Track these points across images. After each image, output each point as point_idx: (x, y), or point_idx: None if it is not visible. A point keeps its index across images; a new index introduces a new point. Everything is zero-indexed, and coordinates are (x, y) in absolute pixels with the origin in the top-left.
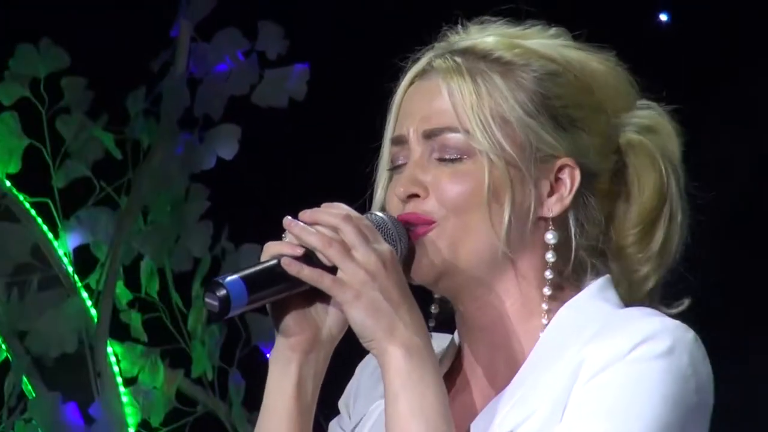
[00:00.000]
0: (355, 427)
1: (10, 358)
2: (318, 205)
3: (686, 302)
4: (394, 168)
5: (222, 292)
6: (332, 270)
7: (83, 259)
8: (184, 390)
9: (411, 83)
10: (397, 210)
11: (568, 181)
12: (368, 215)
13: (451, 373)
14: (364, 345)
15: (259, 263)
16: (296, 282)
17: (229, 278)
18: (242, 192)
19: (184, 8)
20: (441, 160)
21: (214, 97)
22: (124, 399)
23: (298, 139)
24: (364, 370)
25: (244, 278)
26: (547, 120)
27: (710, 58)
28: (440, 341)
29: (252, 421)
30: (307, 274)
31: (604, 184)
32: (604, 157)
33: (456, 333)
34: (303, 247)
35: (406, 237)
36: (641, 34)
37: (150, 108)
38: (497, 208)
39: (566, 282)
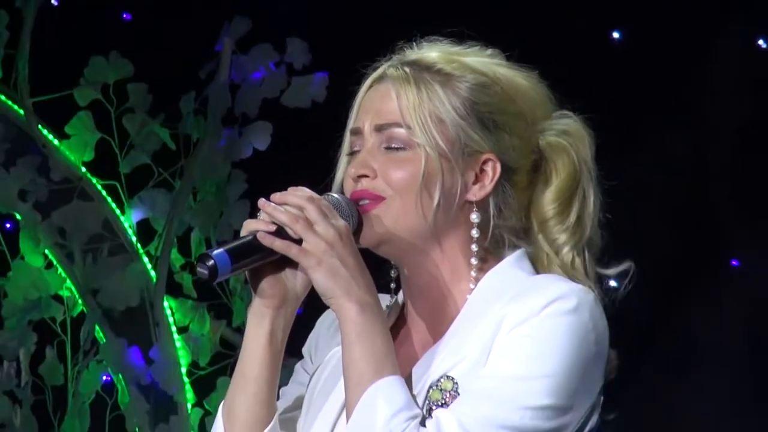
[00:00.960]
0: (315, 371)
1: (85, 311)
2: (331, 189)
3: (626, 265)
4: (351, 154)
5: (210, 263)
6: (298, 242)
7: (144, 230)
8: (226, 337)
9: (370, 86)
10: (351, 188)
11: (490, 173)
12: (326, 196)
13: (396, 325)
14: (325, 302)
15: (240, 238)
16: (269, 252)
17: (215, 251)
18: (274, 176)
19: (227, 28)
20: (387, 148)
21: (251, 99)
22: (178, 344)
23: (318, 134)
24: (323, 323)
25: (227, 251)
26: (475, 122)
27: (656, 69)
28: (386, 300)
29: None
30: (279, 245)
31: (523, 177)
32: (522, 155)
33: (401, 293)
34: (274, 223)
35: (356, 213)
36: (598, 49)
37: (199, 108)
38: (431, 191)
39: (489, 254)
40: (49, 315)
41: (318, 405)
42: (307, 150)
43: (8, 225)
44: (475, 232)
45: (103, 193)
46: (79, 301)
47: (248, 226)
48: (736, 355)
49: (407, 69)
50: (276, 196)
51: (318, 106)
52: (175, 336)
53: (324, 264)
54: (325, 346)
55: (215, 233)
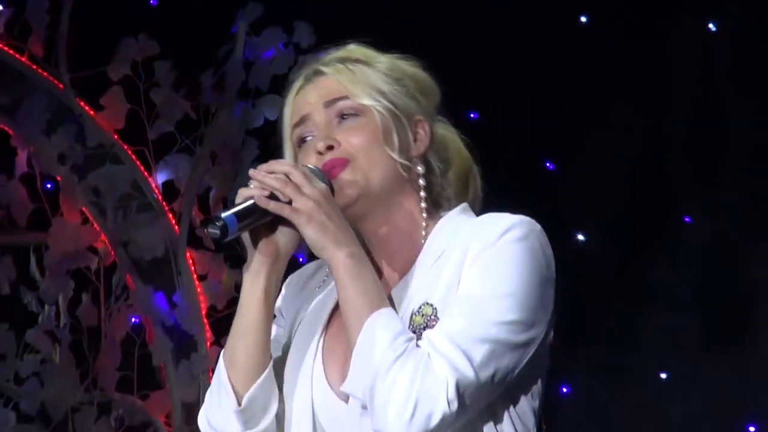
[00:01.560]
0: (292, 324)
1: (117, 261)
2: None
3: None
4: (302, 142)
5: (221, 224)
6: (289, 203)
7: (169, 190)
8: (240, 283)
9: (300, 88)
10: (317, 164)
11: (422, 132)
12: (302, 167)
13: None
14: (316, 253)
15: (239, 203)
16: (265, 214)
17: (224, 214)
18: (282, 143)
19: (242, 13)
20: (342, 118)
21: (262, 75)
22: (198, 290)
23: None
24: (288, 286)
25: (234, 214)
26: (403, 91)
27: (619, 50)
28: None
29: None
30: (273, 206)
31: (435, 154)
32: (434, 126)
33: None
34: (266, 189)
35: (327, 181)
36: (568, 33)
37: (217, 83)
38: (390, 145)
39: (435, 207)
40: (85, 264)
41: (299, 349)
42: None
43: (49, 185)
44: (422, 182)
45: (133, 157)
46: (112, 253)
47: (243, 193)
48: (687, 301)
49: (335, 63)
50: (263, 166)
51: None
52: (196, 283)
53: (313, 220)
54: (291, 304)
55: (231, 193)
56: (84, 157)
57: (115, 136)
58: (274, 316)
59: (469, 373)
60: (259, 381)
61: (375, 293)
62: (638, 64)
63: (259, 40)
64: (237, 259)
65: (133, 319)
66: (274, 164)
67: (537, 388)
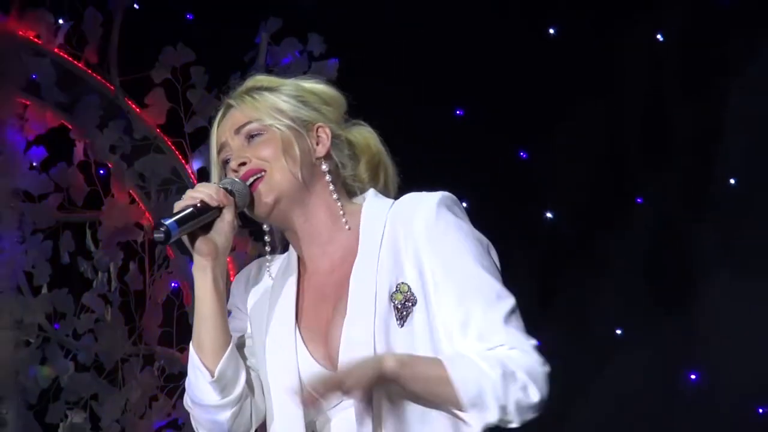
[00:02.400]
0: (256, 316)
1: None
2: None
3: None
4: (225, 163)
5: (165, 229)
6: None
7: (202, 175)
8: (262, 254)
9: (220, 120)
10: (236, 177)
11: (323, 135)
12: (224, 181)
13: (305, 279)
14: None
15: (179, 212)
16: (198, 219)
17: (167, 221)
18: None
19: (264, 26)
20: (249, 139)
21: (283, 76)
22: (229, 260)
23: None
24: (235, 286)
25: (175, 220)
26: (301, 105)
27: (582, 56)
28: (279, 260)
29: None
30: (212, 202)
31: (345, 146)
32: (339, 127)
33: (291, 250)
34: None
35: (249, 191)
36: (538, 41)
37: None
38: (292, 155)
39: (348, 196)
40: (132, 238)
41: (276, 337)
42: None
43: (102, 171)
44: (329, 177)
45: (172, 147)
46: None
47: (179, 205)
48: (638, 267)
49: (241, 94)
50: (191, 191)
51: (330, 83)
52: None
53: (229, 215)
54: (243, 299)
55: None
56: (131, 148)
57: (158, 130)
58: (230, 312)
59: (527, 337)
60: (225, 356)
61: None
62: (598, 68)
63: (278, 48)
64: (260, 233)
65: (173, 284)
66: (205, 185)
67: None
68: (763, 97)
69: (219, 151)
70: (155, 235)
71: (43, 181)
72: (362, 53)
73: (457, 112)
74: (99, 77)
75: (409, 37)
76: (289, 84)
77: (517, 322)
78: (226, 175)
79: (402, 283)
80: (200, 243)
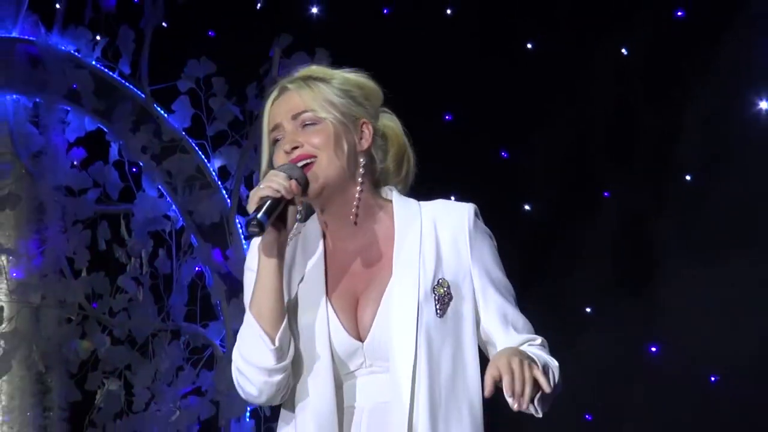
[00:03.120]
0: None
1: (185, 225)
2: None
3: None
4: (276, 143)
5: (257, 223)
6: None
7: (223, 173)
8: None
9: (275, 99)
10: (287, 160)
11: (366, 131)
12: (284, 167)
13: (326, 250)
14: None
15: (262, 204)
16: (276, 208)
17: (259, 215)
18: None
19: (277, 42)
20: (304, 125)
21: None
22: (245, 246)
23: None
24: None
25: (264, 213)
26: (350, 101)
27: (556, 68)
28: (297, 228)
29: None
30: (283, 193)
31: (380, 137)
32: (377, 123)
33: (311, 223)
34: (274, 189)
35: (303, 173)
36: (517, 56)
37: (258, 93)
38: (341, 146)
39: (374, 187)
40: (161, 228)
41: (307, 307)
42: None
43: (134, 169)
44: (363, 170)
45: (196, 148)
46: (181, 219)
47: (258, 194)
48: (605, 253)
49: (297, 81)
50: (266, 178)
51: (369, 77)
52: (243, 241)
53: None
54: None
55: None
56: (160, 148)
57: (183, 133)
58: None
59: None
60: (283, 326)
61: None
62: (570, 79)
63: (289, 61)
64: None
65: (197, 268)
66: (276, 173)
67: None
68: (714, 103)
69: (272, 130)
70: (251, 230)
71: (83, 178)
72: (363, 65)
73: (447, 117)
74: (132, 86)
75: (404, 52)
76: (338, 77)
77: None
78: (273, 154)
79: (443, 278)
80: (273, 227)
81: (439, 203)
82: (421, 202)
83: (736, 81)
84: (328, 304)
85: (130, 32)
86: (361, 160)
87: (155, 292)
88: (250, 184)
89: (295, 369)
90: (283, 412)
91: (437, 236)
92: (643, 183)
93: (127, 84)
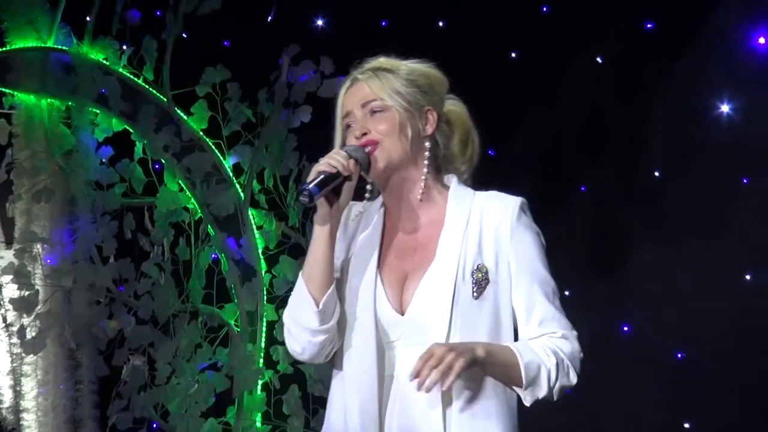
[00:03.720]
0: (346, 252)
1: (202, 216)
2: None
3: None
4: (347, 128)
5: (308, 192)
6: (348, 176)
7: (237, 169)
8: (285, 231)
9: (348, 88)
10: (356, 143)
11: (431, 118)
12: (349, 148)
13: (385, 228)
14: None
15: (316, 177)
16: (332, 184)
17: (309, 185)
18: (312, 137)
19: (286, 51)
20: (372, 112)
21: (299, 92)
22: (256, 235)
23: None
24: (346, 215)
25: (316, 185)
26: (416, 90)
27: (538, 75)
28: (359, 206)
29: None
30: (341, 169)
31: (445, 123)
32: (441, 109)
33: (377, 203)
34: (332, 166)
35: (366, 156)
36: (502, 64)
37: (269, 97)
38: (405, 132)
39: (436, 171)
40: (181, 219)
41: (357, 276)
42: (332, 120)
43: (157, 166)
44: (428, 154)
45: (213, 147)
46: (199, 210)
47: (317, 168)
48: (583, 241)
49: (367, 72)
50: (328, 156)
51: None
52: (255, 231)
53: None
54: (345, 233)
55: (279, 170)
56: (180, 147)
57: (201, 133)
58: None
59: (571, 328)
60: (329, 291)
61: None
62: (550, 84)
63: (297, 68)
64: (282, 214)
65: (213, 255)
66: (338, 152)
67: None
68: (678, 106)
69: (344, 116)
70: (301, 198)
71: (110, 174)
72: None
73: None
74: (155, 91)
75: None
76: (405, 67)
77: (564, 314)
78: (346, 137)
79: (482, 264)
80: (326, 200)
81: (491, 194)
82: (477, 192)
83: (699, 87)
84: (378, 276)
85: (153, 42)
86: (426, 144)
87: (176, 276)
88: (262, 180)
89: (341, 332)
90: (333, 371)
91: (482, 224)
92: (615, 178)
93: (150, 89)
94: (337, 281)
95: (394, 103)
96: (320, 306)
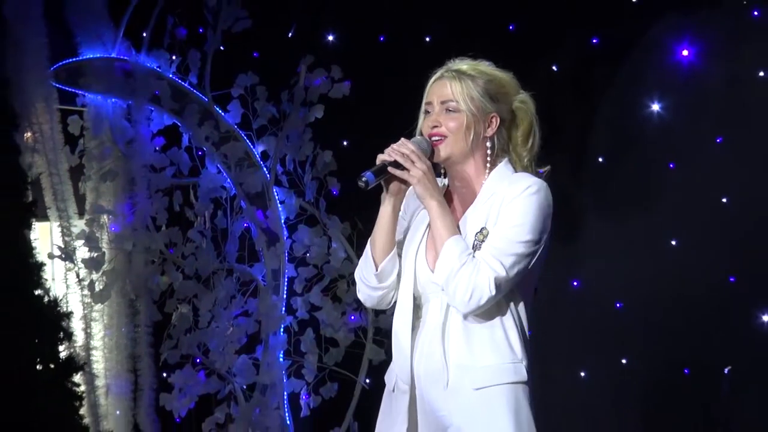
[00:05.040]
0: (407, 220)
1: (236, 193)
2: (366, 134)
3: (547, 168)
4: (426, 113)
5: (365, 180)
6: (406, 169)
7: (264, 155)
8: (302, 205)
9: (435, 80)
10: (428, 131)
11: (494, 122)
12: (416, 138)
13: (446, 197)
14: (419, 200)
15: (376, 165)
16: (388, 173)
17: (366, 173)
18: (324, 130)
19: (303, 60)
20: (447, 111)
21: (314, 94)
22: (280, 208)
23: (345, 110)
24: (409, 196)
25: (372, 172)
26: (487, 98)
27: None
28: (441, 181)
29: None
30: (398, 172)
31: (508, 123)
32: (507, 114)
33: (446, 181)
34: (393, 157)
35: (431, 146)
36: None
37: (290, 98)
38: (469, 131)
39: (494, 163)
40: (219, 195)
41: (411, 241)
42: (340, 116)
43: (200, 152)
44: (489, 151)
45: (245, 138)
46: (233, 189)
47: (380, 158)
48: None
49: (453, 72)
50: (394, 145)
51: (345, 98)
52: (278, 204)
53: (420, 182)
54: (410, 207)
55: (297, 157)
56: (218, 138)
57: (235, 126)
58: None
59: (502, 273)
60: (389, 256)
61: (451, 225)
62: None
63: (312, 75)
64: (300, 192)
65: (245, 224)
66: (401, 144)
67: (530, 281)
68: (618, 105)
69: (426, 103)
70: (359, 183)
71: (162, 159)
72: (365, 78)
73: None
74: (198, 93)
75: (394, 68)
76: (485, 76)
77: (511, 261)
78: (423, 120)
79: (484, 227)
80: (391, 185)
81: (522, 175)
82: (515, 173)
83: (634, 90)
84: (423, 241)
85: (197, 53)
86: (487, 143)
87: (215, 241)
88: (284, 164)
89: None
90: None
91: (501, 198)
92: (568, 163)
93: (194, 91)
94: (399, 242)
95: (466, 107)
96: (378, 269)
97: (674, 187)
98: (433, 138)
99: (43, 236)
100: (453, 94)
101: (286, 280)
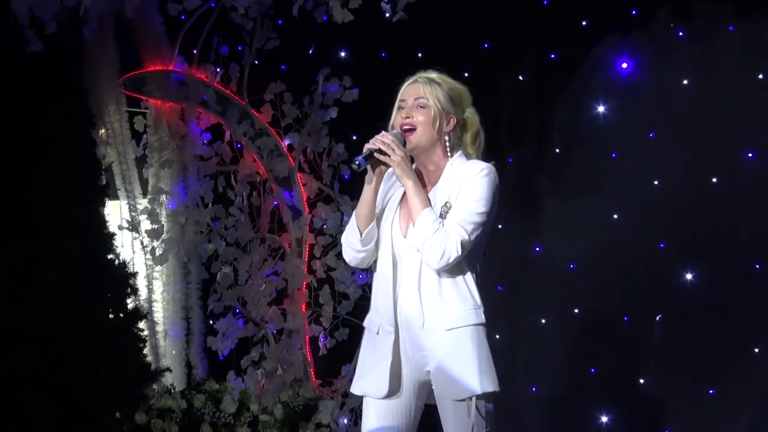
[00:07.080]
0: (384, 198)
1: (267, 177)
2: (368, 125)
3: (492, 162)
4: (399, 109)
5: (358, 162)
6: (387, 155)
7: (290, 148)
8: (320, 187)
9: (409, 84)
10: (400, 122)
11: (452, 121)
12: (393, 131)
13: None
14: (398, 179)
15: (364, 152)
16: (374, 158)
17: (359, 157)
18: (338, 128)
19: (320, 72)
20: (418, 107)
21: (329, 98)
22: (302, 189)
23: (354, 111)
24: (387, 176)
25: (364, 157)
26: (449, 101)
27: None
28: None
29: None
30: (382, 157)
31: (461, 125)
32: (461, 118)
33: (414, 166)
34: (378, 145)
35: (404, 137)
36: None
37: (310, 102)
38: (435, 125)
39: (452, 152)
40: (254, 179)
41: (387, 213)
42: (350, 115)
43: (239, 145)
44: (447, 144)
45: (274, 133)
46: (266, 173)
47: (367, 146)
48: (512, 198)
49: (425, 78)
50: (377, 136)
51: (354, 102)
52: (301, 187)
53: (399, 165)
54: (384, 188)
55: (316, 149)
56: (254, 133)
57: (267, 125)
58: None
59: (466, 237)
60: (371, 225)
61: (425, 199)
62: (489, 93)
63: (328, 83)
64: (318, 177)
65: (274, 203)
66: (384, 135)
67: (481, 245)
68: (570, 107)
69: (401, 100)
70: (353, 165)
71: (209, 150)
72: (369, 86)
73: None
74: (237, 98)
75: (392, 79)
76: (448, 85)
77: (471, 228)
78: (396, 114)
79: (448, 201)
80: (374, 169)
81: (476, 161)
82: (469, 161)
83: (584, 95)
84: (398, 213)
85: (236, 66)
86: (446, 137)
87: (251, 216)
88: (305, 154)
89: (377, 249)
90: (374, 272)
91: (460, 179)
92: (531, 153)
93: (234, 96)
94: (378, 213)
95: (434, 104)
96: (362, 236)
97: (616, 173)
98: (405, 128)
99: (114, 212)
100: (424, 93)
101: (307, 246)
